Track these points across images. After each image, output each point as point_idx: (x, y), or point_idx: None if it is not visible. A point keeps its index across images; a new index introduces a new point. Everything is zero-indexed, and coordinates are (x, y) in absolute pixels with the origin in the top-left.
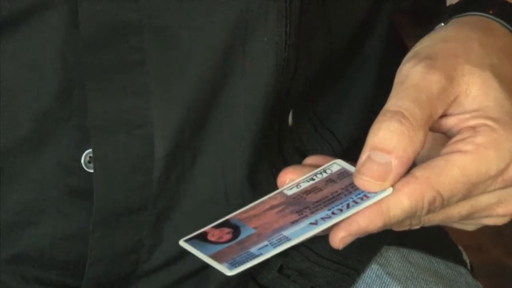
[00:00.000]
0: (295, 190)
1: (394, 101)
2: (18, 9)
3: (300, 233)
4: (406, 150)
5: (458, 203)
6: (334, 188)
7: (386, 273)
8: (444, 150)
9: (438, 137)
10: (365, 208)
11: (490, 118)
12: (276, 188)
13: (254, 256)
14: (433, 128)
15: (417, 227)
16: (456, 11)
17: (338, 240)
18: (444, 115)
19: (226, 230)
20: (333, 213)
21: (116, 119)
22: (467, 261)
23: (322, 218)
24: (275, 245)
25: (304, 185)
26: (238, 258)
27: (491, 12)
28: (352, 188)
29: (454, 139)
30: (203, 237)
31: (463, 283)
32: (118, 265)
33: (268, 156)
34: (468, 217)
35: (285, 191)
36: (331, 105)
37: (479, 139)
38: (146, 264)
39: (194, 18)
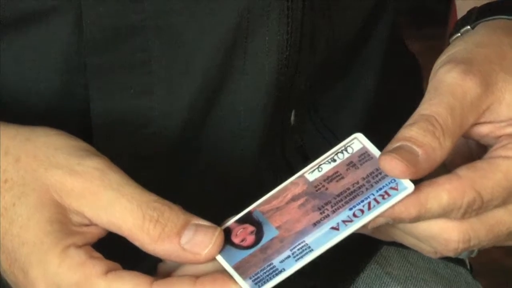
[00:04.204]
0: (316, 174)
1: (427, 106)
2: (23, 13)
3: (322, 241)
4: (435, 151)
5: (497, 210)
6: (356, 176)
7: (386, 273)
8: (486, 156)
9: (461, 146)
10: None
11: None
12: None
13: (277, 272)
14: (466, 135)
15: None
16: (483, 14)
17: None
18: (477, 123)
19: (249, 228)
20: (354, 214)
21: (119, 119)
22: (467, 261)
23: (344, 222)
24: (297, 258)
25: (326, 168)
26: (261, 273)
27: None
28: (373, 179)
29: (494, 147)
30: (227, 237)
31: (462, 283)
32: None
33: (270, 155)
34: None
35: (306, 175)
36: (332, 105)
37: None
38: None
39: (198, 18)
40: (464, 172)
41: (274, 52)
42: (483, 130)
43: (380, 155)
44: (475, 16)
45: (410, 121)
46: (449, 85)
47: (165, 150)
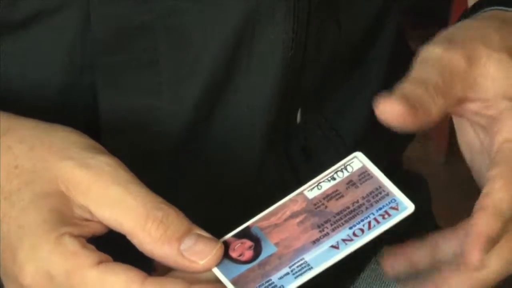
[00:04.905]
0: (316, 192)
1: (417, 72)
2: (28, 13)
3: (322, 260)
4: (430, 104)
5: None
6: (356, 195)
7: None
8: (495, 149)
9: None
10: (455, 273)
11: None
12: (284, 187)
13: None
14: (456, 112)
15: None
16: (473, 11)
17: None
18: (466, 100)
19: (248, 243)
20: (354, 234)
21: (126, 118)
22: None
23: (344, 240)
24: (296, 275)
25: (325, 186)
26: None
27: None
28: (373, 198)
29: (493, 137)
30: (224, 251)
31: None
32: None
33: (275, 155)
34: None
35: (305, 193)
36: (337, 105)
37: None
38: None
39: (206, 17)
40: (496, 170)
41: (279, 51)
42: (473, 107)
43: (378, 102)
44: (466, 15)
45: (402, 83)
46: (434, 58)
47: (170, 148)
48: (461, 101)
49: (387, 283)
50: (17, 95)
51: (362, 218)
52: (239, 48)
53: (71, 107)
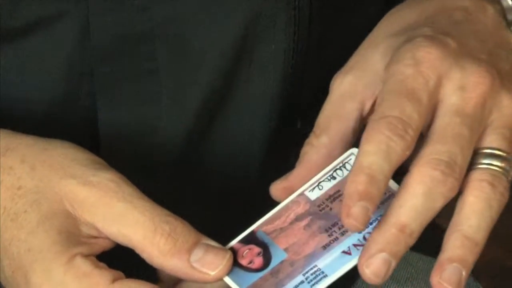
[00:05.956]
0: (317, 192)
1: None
2: (28, 20)
3: (336, 267)
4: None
5: None
6: None
7: None
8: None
9: None
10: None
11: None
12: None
13: None
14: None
15: None
16: None
17: None
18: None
19: (255, 249)
20: (364, 238)
21: (126, 128)
22: None
23: (355, 245)
24: (312, 283)
25: (326, 186)
26: None
27: None
28: None
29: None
30: (233, 258)
31: None
32: None
33: (276, 164)
34: None
35: (306, 193)
36: None
37: None
38: None
39: (206, 26)
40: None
41: (280, 60)
42: None
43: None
44: None
45: None
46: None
47: (170, 158)
48: None
49: (387, 284)
50: (16, 103)
51: (371, 221)
52: (239, 57)
53: (70, 116)
